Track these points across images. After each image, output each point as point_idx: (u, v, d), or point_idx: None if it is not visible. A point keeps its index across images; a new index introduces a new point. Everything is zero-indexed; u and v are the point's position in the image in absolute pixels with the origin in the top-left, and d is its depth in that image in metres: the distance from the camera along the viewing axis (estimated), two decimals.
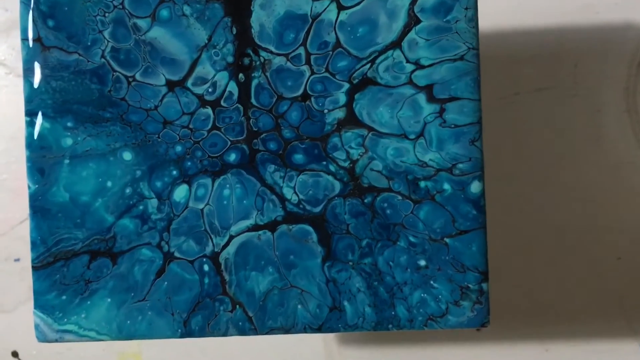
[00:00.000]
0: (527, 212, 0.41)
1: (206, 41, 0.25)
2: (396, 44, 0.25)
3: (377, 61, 0.25)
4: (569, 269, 0.40)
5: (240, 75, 0.25)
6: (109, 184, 0.25)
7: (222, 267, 0.25)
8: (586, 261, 0.40)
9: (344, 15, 0.25)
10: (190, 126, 0.25)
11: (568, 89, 0.41)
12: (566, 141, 0.41)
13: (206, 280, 0.25)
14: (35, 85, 0.25)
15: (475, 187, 0.25)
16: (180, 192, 0.25)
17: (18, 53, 0.43)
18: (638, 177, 0.40)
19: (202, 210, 0.25)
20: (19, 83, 0.43)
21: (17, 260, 0.43)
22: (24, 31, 0.25)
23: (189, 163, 0.25)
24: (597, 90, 0.41)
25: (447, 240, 0.25)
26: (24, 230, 0.43)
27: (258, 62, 0.25)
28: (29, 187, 0.26)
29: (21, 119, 0.43)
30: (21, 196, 0.43)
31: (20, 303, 0.43)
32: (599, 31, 0.41)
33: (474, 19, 0.25)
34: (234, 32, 0.25)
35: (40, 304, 0.25)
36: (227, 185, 0.25)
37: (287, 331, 0.25)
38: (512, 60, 0.41)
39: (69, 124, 0.25)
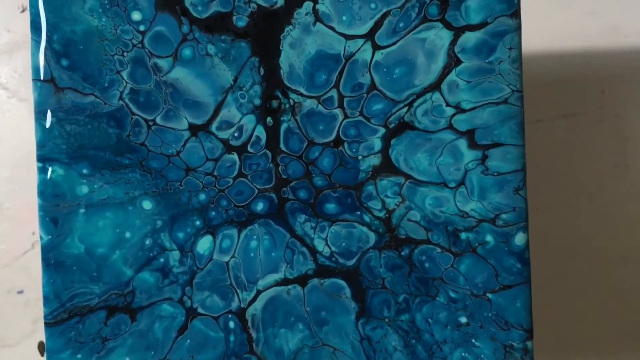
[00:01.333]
0: (549, 240, 0.39)
1: (232, 82, 0.23)
2: (435, 86, 0.23)
3: (415, 104, 0.23)
4: (593, 299, 0.39)
5: (269, 119, 0.24)
6: (128, 235, 0.24)
7: (249, 323, 0.24)
8: (611, 290, 0.39)
9: (379, 56, 0.23)
10: (215, 173, 0.24)
11: (595, 116, 0.39)
12: (592, 169, 0.39)
13: (232, 338, 0.24)
14: (48, 129, 0.23)
15: (519, 238, 0.23)
16: (204, 244, 0.24)
17: (20, 76, 0.41)
18: None
19: (227, 263, 0.24)
20: (22, 107, 0.41)
21: (20, 292, 0.41)
22: (36, 71, 0.24)
23: (214, 213, 0.24)
24: (625, 117, 0.39)
25: (489, 295, 0.23)
26: (28, 262, 0.41)
27: (287, 105, 0.23)
28: (42, 238, 0.24)
29: (24, 144, 0.41)
30: (24, 226, 0.41)
31: (24, 337, 0.41)
32: (627, 55, 0.39)
33: (518, 60, 0.23)
34: (262, 72, 0.23)
35: None
36: (254, 237, 0.24)
37: None
38: (536, 86, 0.40)
39: (85, 171, 0.24)
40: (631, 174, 0.39)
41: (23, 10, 0.41)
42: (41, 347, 0.41)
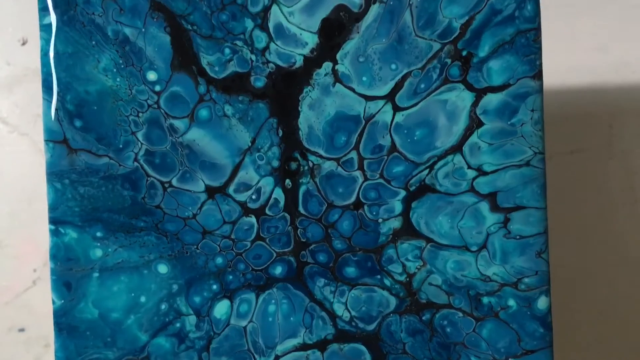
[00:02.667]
0: (559, 278, 0.39)
1: (250, 144, 0.23)
2: (457, 149, 0.23)
3: (436, 167, 0.23)
4: (602, 338, 0.39)
5: (287, 181, 0.23)
6: (143, 299, 0.23)
7: None
8: (620, 329, 0.39)
9: (400, 117, 0.23)
10: (232, 236, 0.23)
11: (603, 151, 0.39)
12: (601, 205, 0.39)
13: None
14: (61, 191, 0.23)
15: (542, 302, 0.23)
16: (221, 308, 0.23)
17: (22, 110, 0.40)
18: None
19: (245, 327, 0.23)
20: (23, 142, 0.41)
21: (21, 330, 0.41)
22: (48, 132, 0.23)
23: (231, 276, 0.23)
24: (634, 152, 0.39)
25: None
26: (29, 299, 0.41)
27: (306, 167, 0.23)
28: (54, 302, 0.23)
29: (25, 179, 0.40)
30: (26, 263, 0.41)
31: None
32: (635, 91, 0.39)
33: (540, 122, 0.23)
34: (280, 134, 0.23)
35: None
36: (273, 301, 0.23)
37: None
38: (545, 121, 0.39)
39: (99, 234, 0.23)
40: (639, 210, 0.39)
41: (24, 44, 0.40)
42: None
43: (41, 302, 0.41)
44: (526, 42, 0.23)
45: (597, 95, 0.39)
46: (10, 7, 0.40)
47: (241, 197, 0.23)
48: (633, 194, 0.39)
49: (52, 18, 0.23)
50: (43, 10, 0.23)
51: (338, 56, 0.23)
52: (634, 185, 0.39)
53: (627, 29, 0.39)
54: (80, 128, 0.23)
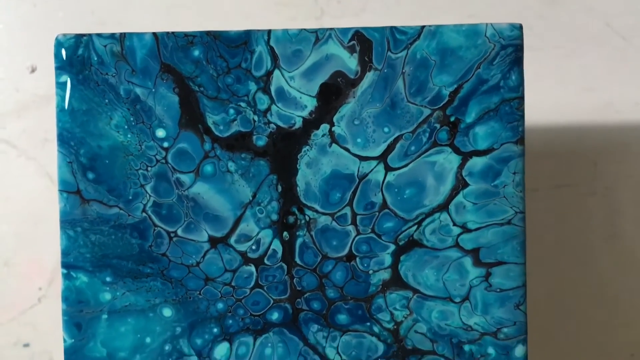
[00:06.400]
0: (540, 310, 0.41)
1: (250, 198, 0.25)
2: (443, 207, 0.25)
3: (424, 223, 0.25)
4: None
5: (285, 233, 0.25)
6: (148, 340, 0.25)
7: None
8: (601, 357, 0.41)
9: (391, 177, 0.25)
10: (233, 284, 0.25)
11: (587, 187, 0.41)
12: (583, 239, 0.41)
13: None
14: (73, 238, 0.25)
15: (519, 351, 0.25)
16: (221, 350, 0.25)
17: (29, 135, 0.42)
18: None
19: None
20: (29, 165, 0.42)
21: (26, 345, 0.42)
22: (63, 183, 0.25)
23: (231, 321, 0.25)
24: (616, 189, 0.41)
25: None
26: (34, 316, 0.42)
27: (303, 221, 0.25)
28: (65, 341, 0.25)
29: (31, 202, 0.42)
30: (31, 281, 0.42)
31: None
32: (619, 130, 0.41)
33: (521, 183, 0.25)
34: (279, 189, 0.25)
35: None
36: (269, 344, 0.25)
37: None
38: (531, 156, 0.41)
39: (108, 279, 0.25)
40: (620, 245, 0.41)
41: (32, 71, 0.42)
42: None
43: (45, 319, 0.42)
44: (510, 110, 0.24)
45: (583, 133, 0.41)
46: (20, 36, 0.42)
47: (242, 247, 0.25)
48: (613, 229, 0.41)
49: (67, 77, 0.24)
50: (59, 68, 0.25)
51: (335, 119, 0.24)
52: (614, 221, 0.41)
53: (612, 71, 0.40)
54: (92, 180, 0.25)
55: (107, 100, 0.24)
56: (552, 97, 0.41)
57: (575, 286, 0.40)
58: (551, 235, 0.41)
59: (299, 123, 0.24)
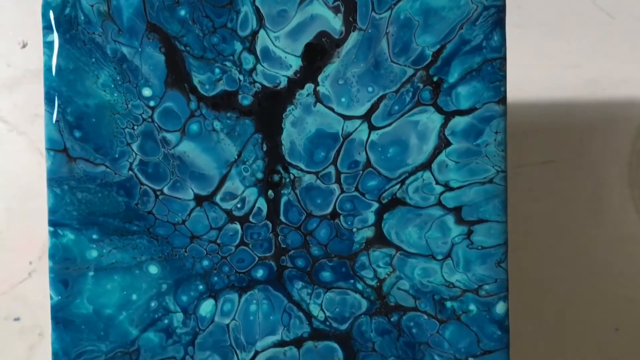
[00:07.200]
0: (527, 282, 0.41)
1: (236, 157, 0.25)
2: (426, 166, 0.25)
3: (407, 182, 0.25)
4: (569, 338, 0.41)
5: (270, 191, 0.25)
6: (134, 297, 0.25)
7: None
8: (584, 331, 0.41)
9: (375, 136, 0.25)
10: (218, 241, 0.25)
11: (572, 163, 0.41)
12: (569, 214, 0.41)
13: None
14: (60, 195, 0.25)
15: (500, 307, 0.25)
16: (206, 307, 0.25)
17: (20, 110, 0.42)
18: (637, 250, 0.41)
19: (227, 325, 0.25)
20: (20, 140, 0.42)
21: (16, 319, 0.43)
22: (50, 141, 0.25)
23: (216, 278, 0.25)
24: (601, 164, 0.41)
25: None
26: (24, 290, 0.43)
27: (288, 180, 0.25)
28: (52, 298, 0.25)
29: (21, 176, 0.42)
30: (22, 256, 0.42)
31: None
32: (604, 107, 0.41)
33: (503, 143, 0.25)
34: (264, 148, 0.25)
35: None
36: (254, 301, 0.25)
37: None
38: (517, 133, 0.41)
39: (95, 236, 0.25)
40: (605, 219, 0.41)
41: (23, 46, 0.42)
42: None
43: (36, 293, 0.43)
44: (492, 70, 0.25)
45: (569, 110, 0.41)
46: (11, 11, 0.42)
47: (227, 205, 0.25)
48: (598, 204, 0.41)
49: (55, 36, 0.25)
50: (46, 28, 0.25)
51: (319, 78, 0.25)
52: (600, 194, 0.41)
53: (598, 48, 0.41)
54: (79, 138, 0.25)
55: (94, 60, 0.25)
56: (539, 75, 0.41)
57: (561, 260, 0.41)
58: (538, 210, 0.41)
59: (284, 82, 0.25)
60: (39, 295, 0.43)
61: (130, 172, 0.25)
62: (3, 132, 0.42)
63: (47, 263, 0.41)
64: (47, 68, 0.25)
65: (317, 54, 0.25)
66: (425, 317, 0.25)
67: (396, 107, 0.25)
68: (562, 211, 0.41)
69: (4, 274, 0.43)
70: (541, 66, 0.41)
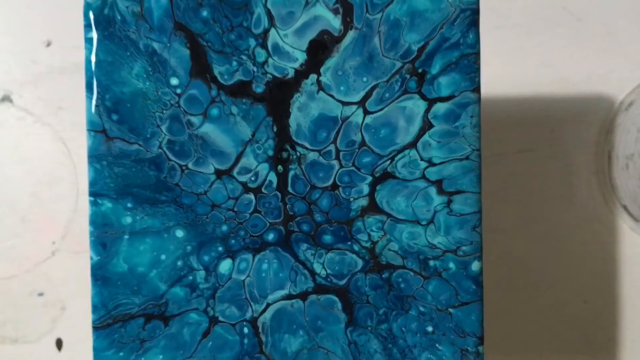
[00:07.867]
0: (505, 260, 0.46)
1: (250, 137, 0.29)
2: (412, 145, 0.29)
3: (396, 159, 0.29)
4: (540, 310, 0.46)
5: (279, 166, 0.29)
6: (163, 257, 0.29)
7: (260, 330, 0.30)
8: (556, 304, 0.46)
9: (369, 119, 0.29)
10: (235, 209, 0.29)
11: (545, 152, 0.46)
12: (542, 198, 0.46)
13: (245, 341, 0.30)
14: (100, 170, 0.29)
15: (475, 266, 0.30)
16: (225, 266, 0.30)
17: (45, 103, 0.46)
18: (604, 231, 0.46)
19: (243, 281, 0.30)
20: (45, 131, 0.46)
21: (40, 294, 0.46)
22: (90, 123, 0.29)
23: (233, 241, 0.30)
24: (571, 153, 0.46)
25: (451, 310, 0.30)
26: (48, 267, 0.47)
27: (295, 156, 0.29)
28: (92, 258, 0.29)
29: (45, 164, 0.46)
30: (46, 236, 0.46)
31: (43, 334, 0.46)
32: (574, 101, 0.46)
33: (477, 125, 0.29)
34: (275, 130, 0.29)
35: None
36: (266, 261, 0.30)
37: None
38: (497, 125, 0.46)
39: (129, 205, 0.29)
40: (574, 202, 0.46)
41: (48, 45, 0.46)
42: (59, 343, 0.47)
43: (58, 270, 0.47)
44: (468, 63, 0.29)
45: (542, 103, 0.46)
46: (36, 12, 0.46)
47: (243, 178, 0.29)
48: (569, 189, 0.46)
49: (94, 33, 0.29)
50: (87, 26, 0.29)
51: (322, 70, 0.29)
52: (571, 182, 0.46)
53: (569, 49, 0.46)
54: (116, 121, 0.29)
55: (128, 53, 0.29)
56: (513, 72, 0.46)
57: (535, 239, 0.45)
58: (514, 193, 0.46)
59: (291, 73, 0.29)
60: (61, 272, 0.47)
61: (160, 150, 0.29)
62: (29, 123, 0.46)
63: (69, 242, 0.46)
64: (88, 61, 0.29)
65: (320, 49, 0.29)
66: (412, 274, 0.30)
67: (387, 95, 0.29)
68: (536, 195, 0.46)
69: (29, 253, 0.47)
70: (517, 64, 0.46)
